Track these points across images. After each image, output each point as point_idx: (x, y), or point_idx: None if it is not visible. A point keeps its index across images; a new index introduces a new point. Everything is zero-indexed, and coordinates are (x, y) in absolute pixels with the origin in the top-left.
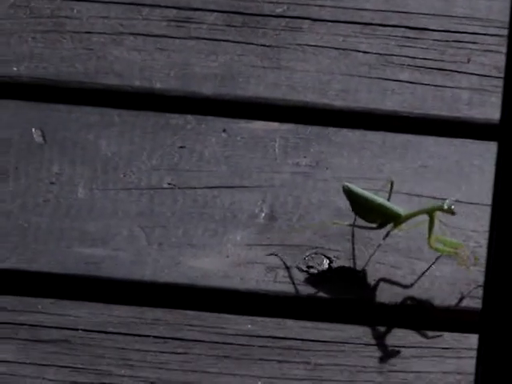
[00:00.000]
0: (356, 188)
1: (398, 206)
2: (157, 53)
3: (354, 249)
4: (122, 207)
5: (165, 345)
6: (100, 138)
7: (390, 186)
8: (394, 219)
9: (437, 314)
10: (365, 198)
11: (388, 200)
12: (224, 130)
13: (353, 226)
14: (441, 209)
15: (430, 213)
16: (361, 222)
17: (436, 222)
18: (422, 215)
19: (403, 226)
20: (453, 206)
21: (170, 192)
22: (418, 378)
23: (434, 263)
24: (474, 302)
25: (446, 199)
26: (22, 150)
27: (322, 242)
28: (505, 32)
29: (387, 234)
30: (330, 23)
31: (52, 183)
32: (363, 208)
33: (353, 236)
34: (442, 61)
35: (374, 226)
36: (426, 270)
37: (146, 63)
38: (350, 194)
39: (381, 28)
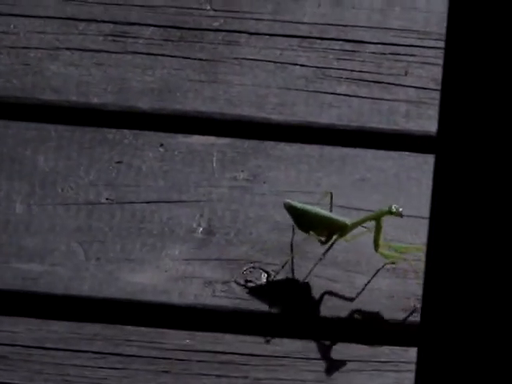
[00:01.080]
0: (297, 203)
1: (343, 216)
2: (93, 68)
3: (292, 263)
4: (59, 222)
5: (103, 360)
6: (37, 154)
7: (329, 198)
8: (341, 229)
9: (376, 327)
10: (308, 212)
11: (330, 212)
12: (161, 145)
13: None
14: (390, 212)
15: (377, 218)
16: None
17: (382, 227)
18: (367, 222)
19: (348, 236)
20: (400, 209)
21: (108, 207)
22: None
23: (374, 276)
24: (413, 316)
25: (391, 204)
26: None
27: (260, 256)
28: (442, 44)
29: (330, 246)
30: (267, 37)
31: None
32: (308, 222)
33: (291, 250)
34: (380, 73)
35: (321, 239)
36: (368, 283)
37: (82, 78)
38: (292, 210)
39: (318, 41)
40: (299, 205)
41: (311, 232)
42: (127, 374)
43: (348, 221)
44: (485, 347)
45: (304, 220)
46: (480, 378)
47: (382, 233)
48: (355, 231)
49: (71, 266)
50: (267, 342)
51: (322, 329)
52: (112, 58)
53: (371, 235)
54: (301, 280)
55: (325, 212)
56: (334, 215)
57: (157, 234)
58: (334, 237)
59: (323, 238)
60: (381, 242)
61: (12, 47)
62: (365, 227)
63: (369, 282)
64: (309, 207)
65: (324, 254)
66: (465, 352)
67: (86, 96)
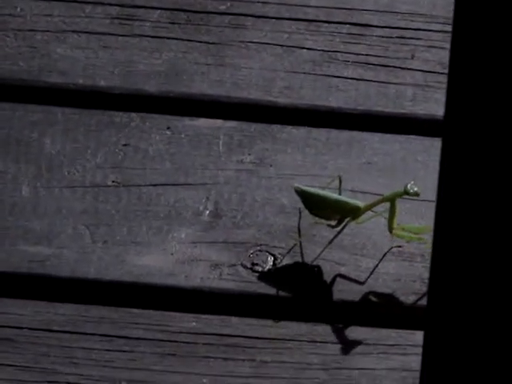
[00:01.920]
0: (308, 188)
1: (355, 199)
2: (100, 50)
3: (300, 246)
4: (66, 205)
5: (110, 343)
6: (44, 136)
7: (338, 181)
8: (353, 212)
9: (382, 310)
10: (320, 196)
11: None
12: (168, 128)
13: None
14: (406, 193)
15: (392, 200)
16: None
17: (397, 209)
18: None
19: (361, 218)
20: (416, 188)
21: (115, 190)
22: (363, 374)
23: (381, 259)
24: (419, 299)
25: (407, 183)
26: None
27: (267, 239)
28: (449, 28)
29: (342, 230)
30: (274, 20)
31: None
32: (320, 206)
33: (299, 233)
34: (386, 57)
35: (332, 223)
36: (375, 267)
37: (89, 61)
38: (303, 195)
39: (325, 25)
40: (310, 189)
41: (322, 216)
42: (133, 357)
43: (361, 204)
44: (491, 330)
45: (315, 204)
46: (486, 361)
47: (397, 214)
48: (367, 214)
49: (78, 249)
50: (273, 325)
51: (328, 312)
52: (119, 40)
53: (380, 218)
54: (307, 263)
55: (336, 195)
56: (346, 198)
57: (163, 217)
58: (346, 220)
59: (334, 222)
60: (395, 223)
61: (19, 30)
62: (373, 211)
63: (376, 266)
64: (320, 191)
65: (335, 237)
66: (471, 335)
67: (93, 79)
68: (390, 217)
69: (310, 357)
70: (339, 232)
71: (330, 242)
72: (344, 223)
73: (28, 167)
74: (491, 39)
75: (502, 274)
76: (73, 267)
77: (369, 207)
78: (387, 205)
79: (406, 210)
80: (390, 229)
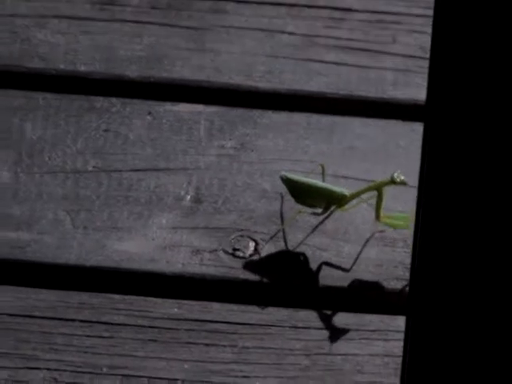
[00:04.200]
0: (294, 175)
1: (341, 187)
2: (81, 36)
3: (283, 232)
4: (46, 191)
5: (91, 328)
6: (25, 122)
7: (321, 169)
8: (339, 200)
9: (364, 295)
10: (305, 184)
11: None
12: (149, 113)
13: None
14: (392, 182)
15: (379, 188)
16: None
17: (384, 197)
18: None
19: (346, 206)
20: (403, 177)
21: (95, 175)
22: (346, 360)
23: (364, 245)
24: (401, 284)
25: (394, 172)
26: None
27: (248, 224)
28: (430, 12)
29: (327, 217)
30: (254, 5)
31: None
32: (305, 194)
33: (281, 219)
34: (368, 41)
35: (317, 211)
36: (359, 253)
37: (70, 46)
38: (289, 183)
39: (306, 9)
40: (296, 177)
41: (308, 204)
42: (115, 343)
43: (347, 192)
44: (473, 315)
45: (302, 192)
46: (468, 346)
47: (384, 203)
48: (352, 202)
49: (58, 235)
50: (255, 310)
51: (310, 298)
52: (99, 25)
53: (365, 205)
54: (289, 249)
55: (322, 184)
56: (332, 186)
57: (144, 203)
58: (332, 208)
59: (319, 210)
60: (382, 212)
61: None
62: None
63: (359, 252)
64: (306, 179)
65: (319, 224)
66: (452, 320)
67: (74, 64)
68: (377, 205)
69: (292, 342)
70: (323, 220)
71: (314, 228)
72: (330, 211)
73: (9, 152)
74: (472, 23)
75: (484, 259)
76: (53, 253)
77: (355, 195)
78: (372, 192)
79: (388, 195)
80: (378, 217)
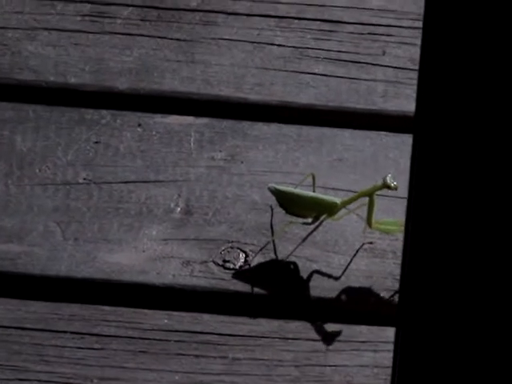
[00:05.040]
0: (282, 187)
1: (331, 196)
2: (71, 48)
3: (273, 243)
4: (37, 203)
5: (81, 340)
6: (15, 134)
7: (312, 179)
8: (330, 209)
9: (354, 307)
10: (295, 195)
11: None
12: (139, 125)
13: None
14: (386, 186)
15: (371, 194)
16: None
17: (376, 203)
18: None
19: (337, 214)
20: (395, 182)
21: (86, 187)
22: (335, 371)
23: (353, 256)
24: (391, 296)
25: (386, 176)
26: None
27: (239, 236)
28: (419, 24)
29: (317, 227)
30: (244, 17)
31: None
32: (295, 205)
33: (272, 230)
34: (357, 53)
35: (307, 221)
36: (348, 264)
37: (60, 58)
38: (278, 194)
39: (296, 21)
40: (285, 188)
41: (298, 215)
42: (105, 354)
43: (338, 200)
44: (463, 326)
45: (291, 203)
46: (458, 357)
47: (376, 209)
48: (343, 211)
49: (49, 247)
50: (245, 321)
51: (300, 309)
52: (90, 38)
53: (354, 217)
54: (279, 260)
55: (312, 193)
56: (322, 195)
57: (134, 214)
58: (323, 217)
59: (310, 220)
60: (373, 218)
61: None
62: (348, 209)
63: (349, 263)
64: (294, 190)
65: (309, 234)
66: (442, 331)
67: (64, 76)
68: (369, 211)
69: (282, 354)
70: (314, 229)
71: (304, 239)
72: (320, 220)
73: None
74: (462, 35)
75: (473, 270)
76: (44, 265)
77: (346, 203)
78: (362, 201)
79: (378, 206)
80: (370, 223)
